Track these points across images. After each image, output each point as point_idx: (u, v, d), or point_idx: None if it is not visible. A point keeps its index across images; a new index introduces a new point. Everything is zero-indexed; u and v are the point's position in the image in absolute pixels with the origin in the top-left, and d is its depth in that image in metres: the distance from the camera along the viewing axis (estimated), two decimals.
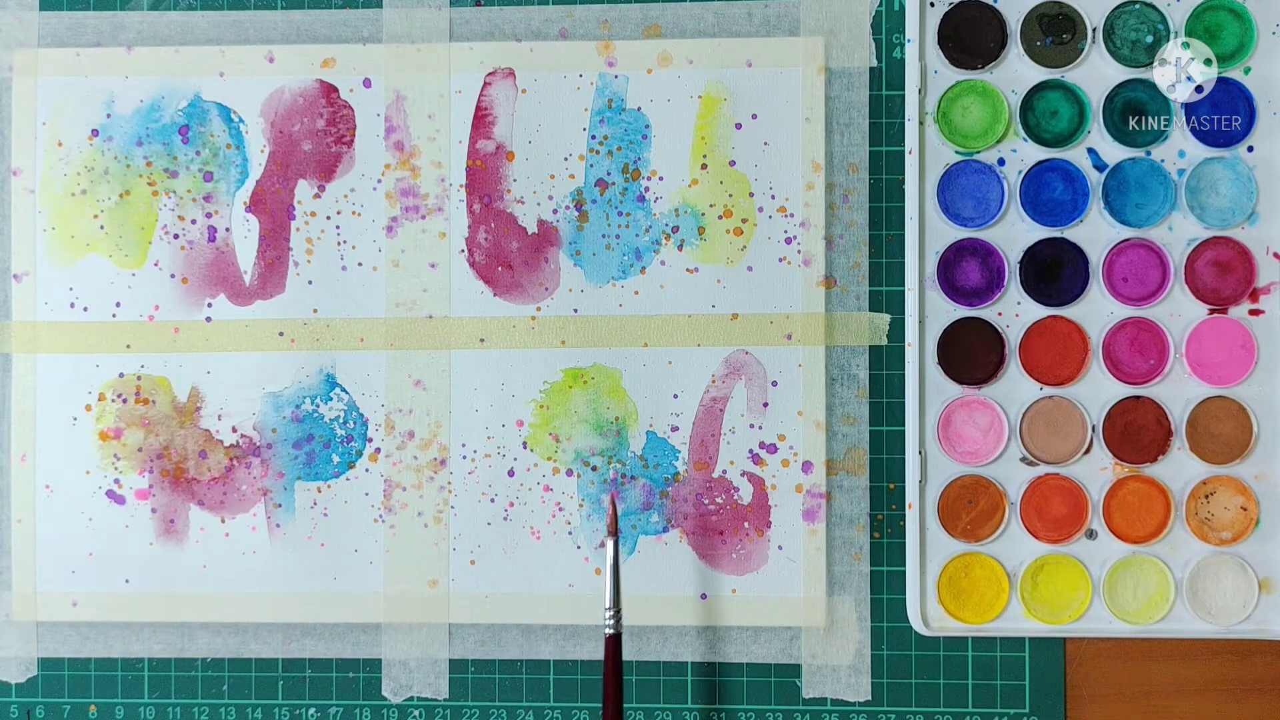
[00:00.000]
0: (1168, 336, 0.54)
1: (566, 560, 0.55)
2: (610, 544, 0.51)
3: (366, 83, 0.55)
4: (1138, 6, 0.54)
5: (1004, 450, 0.54)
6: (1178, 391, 0.54)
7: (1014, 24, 0.54)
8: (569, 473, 0.55)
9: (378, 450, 0.55)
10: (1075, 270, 0.54)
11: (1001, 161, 0.54)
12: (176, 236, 0.56)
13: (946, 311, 0.54)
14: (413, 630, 0.55)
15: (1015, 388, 0.54)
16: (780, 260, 0.55)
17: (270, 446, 0.55)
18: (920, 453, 0.54)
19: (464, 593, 0.55)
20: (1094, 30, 0.54)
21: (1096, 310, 0.54)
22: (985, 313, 0.54)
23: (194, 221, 0.56)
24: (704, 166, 0.55)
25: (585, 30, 0.55)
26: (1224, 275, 0.54)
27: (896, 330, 0.55)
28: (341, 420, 0.55)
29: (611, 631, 0.51)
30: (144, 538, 0.56)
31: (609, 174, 0.55)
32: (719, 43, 0.55)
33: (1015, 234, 0.54)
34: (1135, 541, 0.54)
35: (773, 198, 0.55)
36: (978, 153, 0.54)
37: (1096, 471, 0.54)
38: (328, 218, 0.56)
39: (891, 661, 0.55)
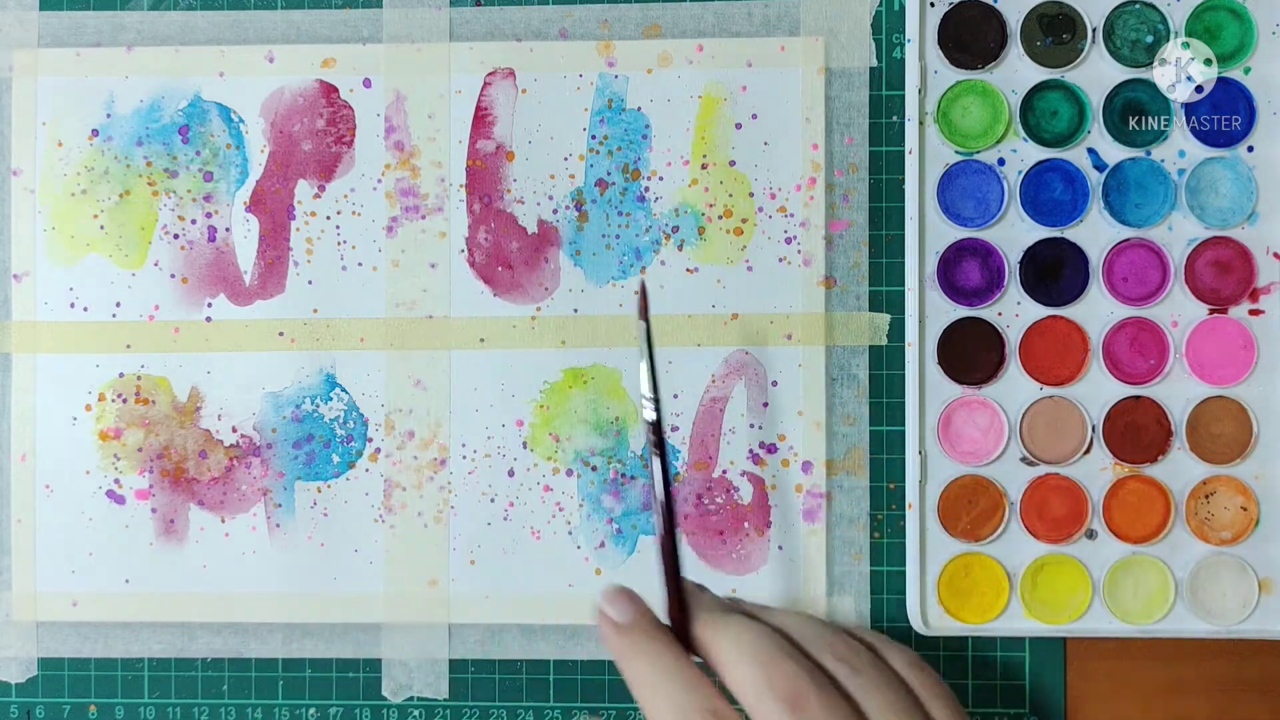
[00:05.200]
0: (1168, 336, 0.54)
1: (566, 560, 0.55)
2: (643, 327, 0.47)
3: (366, 83, 0.55)
4: (1138, 6, 0.54)
5: (1004, 450, 0.54)
6: (1178, 391, 0.54)
7: (1014, 24, 0.54)
8: (569, 473, 0.55)
9: (378, 450, 0.55)
10: (1075, 270, 0.54)
11: (1001, 161, 0.54)
12: (176, 236, 0.56)
13: (946, 311, 0.54)
14: (413, 630, 0.55)
15: (1015, 388, 0.54)
16: (780, 260, 0.55)
17: (270, 446, 0.55)
18: (920, 453, 0.54)
19: (464, 593, 0.55)
20: (1094, 30, 0.54)
21: (1096, 310, 0.54)
22: (985, 313, 0.54)
23: (194, 221, 0.56)
24: (704, 166, 0.55)
25: (585, 30, 0.55)
26: (1224, 275, 0.54)
27: (896, 330, 0.55)
28: (341, 420, 0.55)
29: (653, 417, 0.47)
30: (144, 538, 0.56)
31: (609, 174, 0.55)
32: (719, 43, 0.55)
33: (1015, 234, 0.54)
34: (1135, 542, 0.54)
35: (773, 198, 0.55)
36: (978, 153, 0.54)
37: (1096, 471, 0.54)
38: (328, 218, 0.56)
39: None
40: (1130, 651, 0.55)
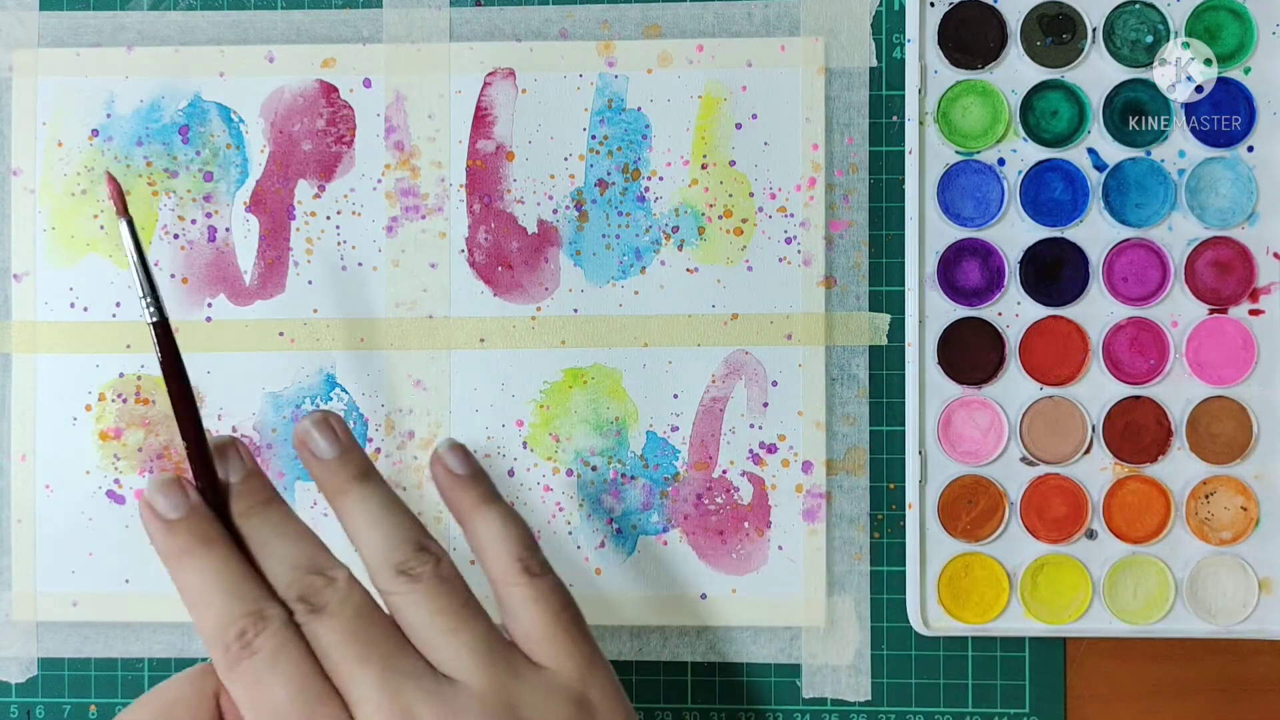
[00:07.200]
0: (1168, 336, 0.54)
1: (566, 560, 0.55)
2: (124, 226, 0.43)
3: (366, 83, 0.55)
4: (1138, 6, 0.54)
5: (1004, 450, 0.54)
6: (1178, 391, 0.54)
7: (1014, 24, 0.54)
8: (569, 473, 0.55)
9: (378, 450, 0.55)
10: (1075, 270, 0.54)
11: (1001, 161, 0.54)
12: (176, 236, 0.56)
13: (946, 311, 0.54)
14: None
15: (1015, 388, 0.54)
16: (780, 260, 0.55)
17: (270, 446, 0.55)
18: (920, 453, 0.54)
19: None
20: (1094, 30, 0.54)
21: (1096, 310, 0.54)
22: (985, 313, 0.54)
23: (194, 221, 0.56)
24: (704, 166, 0.55)
25: (585, 30, 0.55)
26: (1224, 275, 0.54)
27: (896, 330, 0.55)
28: None
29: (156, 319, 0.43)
30: (144, 538, 0.55)
31: (609, 174, 0.55)
32: (719, 43, 0.55)
33: (1015, 234, 0.54)
34: (1135, 541, 0.54)
35: (773, 198, 0.55)
36: (978, 153, 0.54)
37: (1096, 471, 0.54)
38: (328, 218, 0.56)
39: (891, 661, 0.55)
40: (1130, 651, 0.55)
